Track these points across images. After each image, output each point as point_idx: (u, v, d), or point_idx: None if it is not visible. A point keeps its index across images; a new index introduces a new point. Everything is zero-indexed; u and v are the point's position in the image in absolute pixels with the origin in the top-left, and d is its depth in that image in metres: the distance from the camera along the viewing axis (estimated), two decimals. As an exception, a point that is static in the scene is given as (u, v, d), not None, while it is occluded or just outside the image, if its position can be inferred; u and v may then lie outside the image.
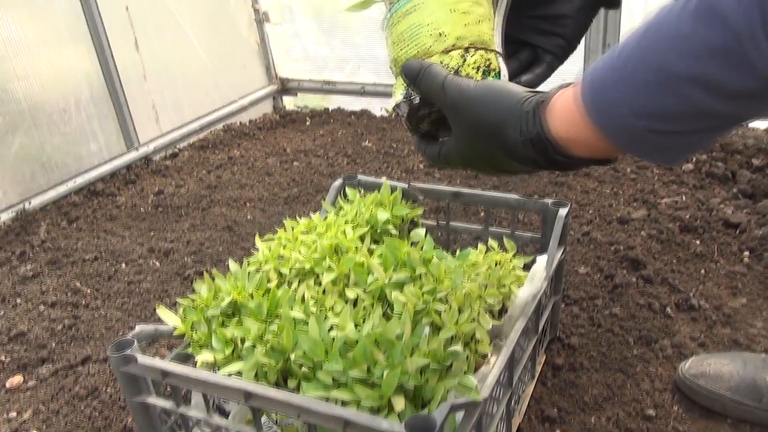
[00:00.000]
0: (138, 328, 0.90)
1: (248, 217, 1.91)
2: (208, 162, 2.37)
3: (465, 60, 0.65)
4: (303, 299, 0.96)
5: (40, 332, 1.43)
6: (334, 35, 2.78)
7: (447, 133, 0.69)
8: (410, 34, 0.66)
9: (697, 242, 1.55)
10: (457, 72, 0.65)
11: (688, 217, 1.65)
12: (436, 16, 0.65)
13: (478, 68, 0.65)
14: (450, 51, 0.65)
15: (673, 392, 1.13)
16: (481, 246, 1.11)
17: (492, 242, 1.12)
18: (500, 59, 0.70)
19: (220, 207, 2.00)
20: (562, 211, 1.11)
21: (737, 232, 1.57)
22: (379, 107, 2.82)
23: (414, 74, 0.65)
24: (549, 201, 1.15)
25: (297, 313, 0.90)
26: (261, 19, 2.88)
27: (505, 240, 1.12)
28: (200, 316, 0.93)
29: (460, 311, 0.89)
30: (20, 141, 2.00)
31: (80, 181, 2.15)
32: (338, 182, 1.28)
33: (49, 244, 1.83)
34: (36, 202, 2.02)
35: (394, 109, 0.69)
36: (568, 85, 0.59)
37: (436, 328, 0.88)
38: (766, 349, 1.22)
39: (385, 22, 0.70)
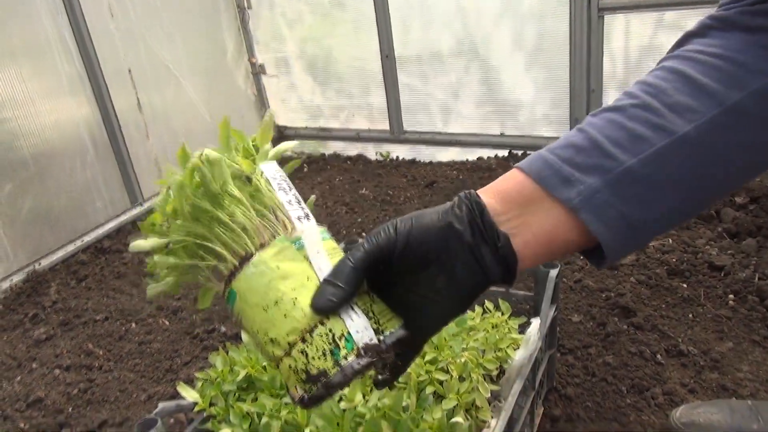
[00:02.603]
0: (160, 405, 0.96)
1: (252, 271, 1.97)
2: (211, 214, 2.43)
3: (308, 355, 0.57)
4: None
5: (57, 397, 1.48)
6: (329, 86, 2.88)
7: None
8: (256, 341, 0.62)
9: (684, 286, 1.63)
10: (308, 372, 0.56)
11: (674, 260, 1.72)
12: (257, 321, 0.60)
13: (324, 354, 0.56)
14: (290, 352, 0.58)
15: (665, 440, 1.19)
16: (477, 308, 1.18)
17: (488, 304, 1.18)
18: (341, 318, 0.58)
19: (224, 261, 2.06)
20: (553, 273, 1.18)
21: (722, 274, 1.65)
22: (374, 152, 2.92)
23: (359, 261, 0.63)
24: (540, 262, 1.22)
25: (308, 385, 0.96)
26: (257, 72, 2.98)
27: (500, 302, 1.19)
28: (217, 391, 0.99)
29: (461, 379, 0.96)
30: (29, 204, 2.07)
31: (87, 239, 2.21)
32: (341, 246, 1.35)
33: (61, 305, 1.89)
34: (45, 262, 2.08)
35: (319, 389, 0.57)
36: None
37: (438, 396, 0.95)
38: (752, 393, 1.28)
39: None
